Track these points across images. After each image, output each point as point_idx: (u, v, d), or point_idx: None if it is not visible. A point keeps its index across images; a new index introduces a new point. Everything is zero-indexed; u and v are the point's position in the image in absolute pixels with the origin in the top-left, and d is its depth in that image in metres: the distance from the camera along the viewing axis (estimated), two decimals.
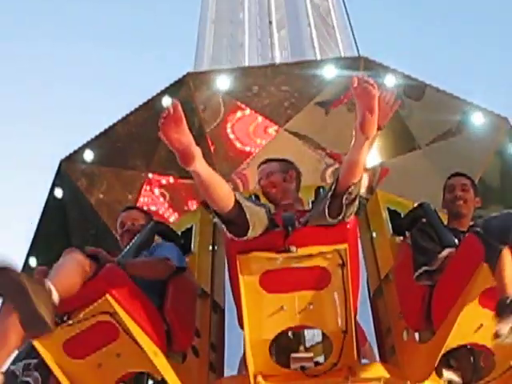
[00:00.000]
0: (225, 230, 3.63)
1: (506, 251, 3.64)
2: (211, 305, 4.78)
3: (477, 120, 5.63)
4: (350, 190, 3.59)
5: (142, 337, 3.90)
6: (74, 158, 5.78)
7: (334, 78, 5.36)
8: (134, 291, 3.98)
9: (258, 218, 3.67)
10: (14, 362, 4.62)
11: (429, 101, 5.60)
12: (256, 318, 3.91)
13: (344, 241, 3.75)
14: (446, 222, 4.65)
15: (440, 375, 4.15)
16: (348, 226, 3.76)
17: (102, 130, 5.72)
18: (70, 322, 3.84)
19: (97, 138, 5.73)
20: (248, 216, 3.57)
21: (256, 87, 5.47)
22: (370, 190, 5.49)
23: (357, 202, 3.71)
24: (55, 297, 3.41)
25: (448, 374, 4.17)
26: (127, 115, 5.64)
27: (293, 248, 3.71)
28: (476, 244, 3.82)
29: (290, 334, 4.40)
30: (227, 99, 5.49)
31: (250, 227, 3.59)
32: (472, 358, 4.28)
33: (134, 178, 5.76)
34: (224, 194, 3.55)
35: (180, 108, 3.23)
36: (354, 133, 3.46)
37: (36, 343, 3.93)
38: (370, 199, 5.36)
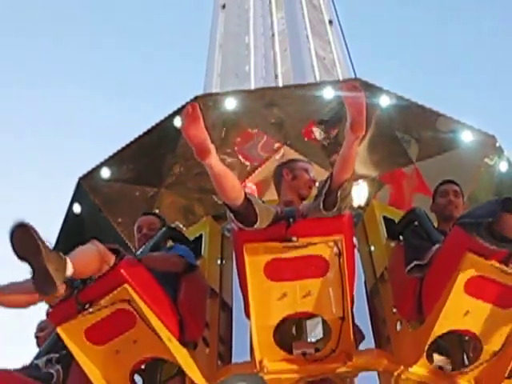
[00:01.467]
0: (234, 219, 4.05)
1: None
2: (220, 303, 5.13)
3: (466, 137, 6.06)
4: (343, 186, 4.02)
5: (157, 324, 4.26)
6: (91, 175, 6.21)
7: (332, 99, 5.80)
8: (151, 282, 4.37)
9: (265, 214, 4.09)
10: (37, 357, 5.00)
11: (421, 119, 6.03)
12: (261, 305, 4.28)
13: (340, 232, 4.16)
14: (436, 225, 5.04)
15: (431, 361, 4.49)
16: (344, 219, 4.18)
17: (117, 149, 6.16)
18: (91, 309, 4.23)
19: (113, 156, 6.17)
20: (257, 210, 4.00)
21: (261, 108, 5.94)
22: (368, 200, 5.92)
23: (350, 197, 4.14)
24: (69, 266, 3.75)
25: (438, 361, 4.51)
26: (141, 135, 6.08)
27: (294, 238, 4.12)
28: (461, 235, 4.21)
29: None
30: (234, 119, 5.94)
31: (258, 220, 4.01)
32: (461, 346, 4.64)
33: (149, 195, 6.17)
34: (235, 187, 3.97)
35: (198, 108, 3.70)
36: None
37: (60, 331, 4.31)
38: (367, 209, 5.75)
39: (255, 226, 4.03)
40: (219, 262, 5.45)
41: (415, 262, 4.53)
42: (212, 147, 3.78)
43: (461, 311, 4.30)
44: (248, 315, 4.42)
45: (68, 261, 3.75)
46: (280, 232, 4.13)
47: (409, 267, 4.54)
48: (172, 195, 6.21)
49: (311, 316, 4.49)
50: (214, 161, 3.82)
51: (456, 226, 4.33)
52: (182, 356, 4.36)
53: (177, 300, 4.56)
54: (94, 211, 6.31)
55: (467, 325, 4.36)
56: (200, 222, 5.75)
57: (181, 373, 4.54)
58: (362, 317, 4.92)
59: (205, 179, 5.34)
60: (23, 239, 3.56)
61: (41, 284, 3.62)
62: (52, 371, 4.76)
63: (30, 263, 3.60)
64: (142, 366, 4.67)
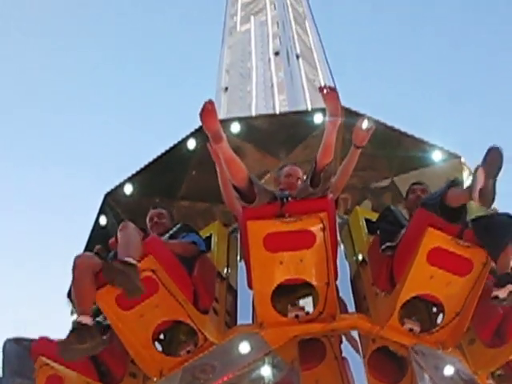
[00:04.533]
0: (238, 197, 5.06)
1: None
2: (227, 285, 6.06)
3: (436, 156, 7.13)
4: (325, 169, 5.07)
5: (176, 290, 5.19)
6: (116, 191, 7.24)
7: (321, 123, 6.86)
8: (171, 255, 5.34)
9: (264, 194, 5.11)
10: None
11: (398, 141, 7.11)
12: (261, 272, 5.20)
13: (324, 210, 5.11)
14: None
15: (403, 325, 5.39)
16: (327, 200, 5.17)
17: (139, 168, 7.23)
18: None
19: (135, 174, 7.24)
20: (256, 190, 5.02)
21: (261, 130, 7.02)
22: (352, 208, 6.91)
23: (332, 180, 5.16)
24: (138, 267, 4.84)
25: (409, 324, 5.40)
26: (160, 156, 7.17)
27: (287, 215, 5.10)
28: (423, 213, 5.20)
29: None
30: (238, 140, 7.01)
31: (257, 199, 5.02)
32: (429, 315, 5.54)
33: (165, 206, 7.14)
34: (241, 170, 5.03)
35: (214, 104, 4.78)
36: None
37: (96, 299, 5.20)
38: (351, 213, 6.73)
39: (254, 204, 5.03)
40: (225, 255, 6.39)
41: (387, 244, 5.51)
42: (224, 135, 4.85)
43: (425, 278, 5.22)
44: (251, 286, 5.35)
45: (137, 265, 4.86)
46: (276, 210, 5.11)
47: (382, 247, 5.52)
48: (185, 206, 7.23)
49: (302, 283, 5.37)
50: (225, 146, 4.89)
51: (419, 208, 5.33)
52: (196, 317, 5.27)
53: (191, 275, 5.50)
54: (118, 223, 7.27)
55: (430, 290, 5.27)
56: (209, 226, 6.71)
57: (193, 337, 5.42)
58: (347, 297, 5.85)
59: (212, 192, 6.44)
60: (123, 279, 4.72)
61: (135, 295, 4.81)
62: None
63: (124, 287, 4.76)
64: (161, 336, 5.59)
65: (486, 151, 4.78)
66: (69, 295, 7.25)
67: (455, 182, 5.18)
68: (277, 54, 17.03)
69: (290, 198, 5.18)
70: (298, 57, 17.42)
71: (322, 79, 14.55)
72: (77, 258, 5.25)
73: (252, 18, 21.31)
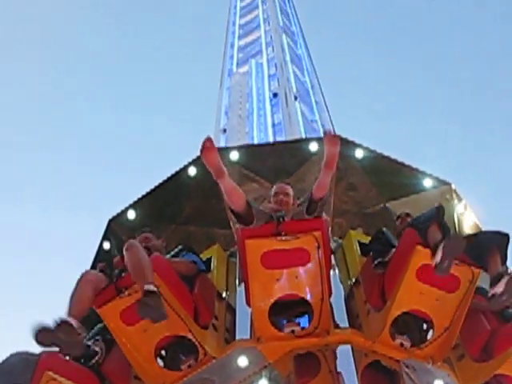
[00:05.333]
0: (236, 221, 5.38)
1: (432, 226, 5.32)
2: (226, 304, 6.32)
3: (427, 183, 7.45)
4: (321, 201, 5.39)
5: (178, 306, 5.43)
6: (119, 216, 7.53)
7: (316, 151, 7.19)
8: (173, 273, 5.60)
9: (261, 215, 5.41)
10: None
11: (390, 169, 7.43)
12: (259, 288, 5.46)
13: (319, 229, 5.39)
14: None
15: (394, 339, 5.63)
16: (321, 220, 5.46)
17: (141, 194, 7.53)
18: (127, 292, 5.39)
19: (138, 200, 7.54)
20: (254, 213, 5.32)
21: (259, 158, 7.35)
22: (346, 232, 7.20)
23: (326, 207, 5.48)
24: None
25: (400, 339, 5.65)
26: (162, 183, 7.47)
27: (283, 233, 5.38)
28: (411, 233, 5.49)
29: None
30: (237, 167, 7.32)
31: (255, 221, 5.33)
32: (420, 331, 5.78)
33: (167, 231, 7.45)
34: (240, 197, 5.36)
35: (213, 142, 5.11)
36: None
37: (100, 313, 5.45)
38: (345, 237, 7.02)
39: (253, 225, 5.34)
40: (225, 276, 6.66)
41: (379, 260, 5.79)
42: (225, 169, 5.18)
43: (414, 294, 5.48)
44: (249, 303, 5.59)
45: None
46: (272, 229, 5.39)
47: (374, 263, 5.79)
48: (185, 230, 7.52)
49: (298, 299, 5.61)
50: (226, 179, 5.22)
51: (409, 228, 5.61)
52: (197, 332, 5.50)
53: (192, 292, 5.75)
54: (120, 247, 7.54)
55: (420, 306, 5.52)
56: (209, 249, 6.98)
57: (194, 353, 5.65)
58: (341, 315, 6.10)
59: (212, 217, 6.72)
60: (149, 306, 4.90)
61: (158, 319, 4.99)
62: (97, 349, 5.87)
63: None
64: (163, 352, 5.81)
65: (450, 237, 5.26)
66: None
67: (441, 212, 5.47)
68: (275, 95, 17.40)
69: (285, 218, 5.46)
70: (295, 98, 17.80)
71: (318, 119, 14.90)
72: (85, 272, 5.49)
73: (250, 60, 21.77)
